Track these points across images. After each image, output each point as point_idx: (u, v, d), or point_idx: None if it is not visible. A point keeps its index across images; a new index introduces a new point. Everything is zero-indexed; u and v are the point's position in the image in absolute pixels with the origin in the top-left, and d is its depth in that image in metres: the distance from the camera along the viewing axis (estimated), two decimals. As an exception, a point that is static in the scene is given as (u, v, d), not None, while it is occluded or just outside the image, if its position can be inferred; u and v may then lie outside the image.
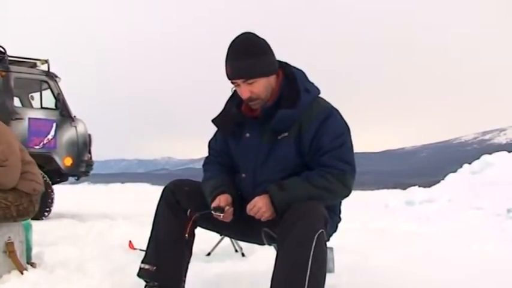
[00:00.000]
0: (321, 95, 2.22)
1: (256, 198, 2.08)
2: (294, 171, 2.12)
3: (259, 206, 2.06)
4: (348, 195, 2.15)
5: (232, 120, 2.25)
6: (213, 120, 2.31)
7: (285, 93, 2.16)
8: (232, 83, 2.15)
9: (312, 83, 2.23)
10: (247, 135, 2.21)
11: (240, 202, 2.20)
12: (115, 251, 3.91)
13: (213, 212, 2.13)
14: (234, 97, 2.28)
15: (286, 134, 2.12)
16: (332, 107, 2.18)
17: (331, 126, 2.11)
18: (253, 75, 2.08)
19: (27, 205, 2.87)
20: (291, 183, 2.07)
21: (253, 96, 2.11)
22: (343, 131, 2.15)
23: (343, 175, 2.08)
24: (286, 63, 2.24)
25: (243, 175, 2.26)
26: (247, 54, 2.07)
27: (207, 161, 2.43)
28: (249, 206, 2.10)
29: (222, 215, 2.12)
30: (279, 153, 2.14)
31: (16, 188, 2.83)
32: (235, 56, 2.09)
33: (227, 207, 2.14)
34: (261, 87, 2.11)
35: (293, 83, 2.17)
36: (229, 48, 2.11)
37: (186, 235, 2.22)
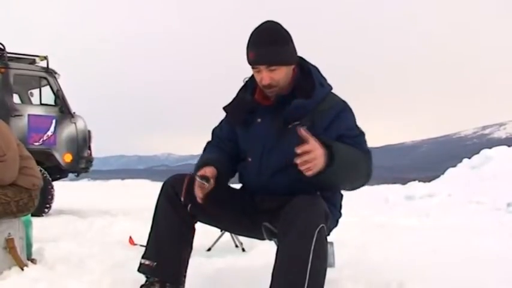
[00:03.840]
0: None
1: (317, 145, 1.85)
2: None
3: (316, 156, 1.84)
4: (366, 182, 2.12)
5: (244, 107, 2.25)
6: (225, 108, 2.31)
7: (300, 85, 2.18)
8: (253, 67, 2.16)
9: (326, 79, 2.25)
10: (259, 120, 2.22)
11: (240, 195, 2.19)
12: (115, 247, 3.92)
13: (198, 178, 2.09)
14: (247, 86, 2.30)
15: (297, 123, 2.11)
16: (346, 102, 2.21)
17: (347, 119, 2.15)
18: (277, 63, 2.11)
19: (27, 200, 2.86)
20: (346, 148, 1.98)
21: (273, 83, 2.13)
22: (357, 125, 2.19)
23: (370, 156, 2.10)
24: (301, 57, 2.26)
25: (249, 159, 2.26)
26: (273, 42, 2.10)
27: (207, 145, 2.43)
28: (303, 148, 1.83)
29: (207, 184, 2.08)
30: (288, 141, 2.11)
31: (15, 183, 2.81)
32: (261, 42, 2.11)
33: (211, 181, 2.10)
34: (281, 75, 2.14)
35: (308, 77, 2.20)
36: (252, 34, 2.13)
37: (182, 198, 2.17)
